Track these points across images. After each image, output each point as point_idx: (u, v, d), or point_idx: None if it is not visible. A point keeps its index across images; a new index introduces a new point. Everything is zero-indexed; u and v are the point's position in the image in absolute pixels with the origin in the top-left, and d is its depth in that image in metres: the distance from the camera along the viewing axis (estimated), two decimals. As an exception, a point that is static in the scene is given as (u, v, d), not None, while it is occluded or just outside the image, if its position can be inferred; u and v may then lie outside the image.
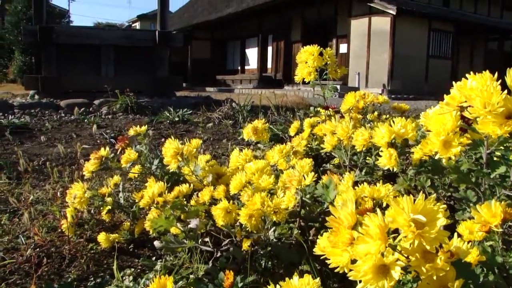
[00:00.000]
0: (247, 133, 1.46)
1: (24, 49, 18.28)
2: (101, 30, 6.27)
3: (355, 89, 13.16)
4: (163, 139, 3.24)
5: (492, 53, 18.64)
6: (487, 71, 0.71)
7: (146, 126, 3.80)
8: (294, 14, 18.33)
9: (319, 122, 1.58)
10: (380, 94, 13.20)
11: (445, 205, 0.56)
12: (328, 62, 1.38)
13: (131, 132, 1.48)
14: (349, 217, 0.58)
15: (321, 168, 1.46)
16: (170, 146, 1.09)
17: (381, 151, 0.87)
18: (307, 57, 1.36)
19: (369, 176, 1.34)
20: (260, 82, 18.88)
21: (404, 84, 13.85)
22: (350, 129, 1.12)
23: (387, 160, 0.86)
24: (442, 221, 0.54)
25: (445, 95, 0.75)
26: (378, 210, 0.56)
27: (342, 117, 1.49)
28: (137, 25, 43.77)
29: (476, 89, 0.66)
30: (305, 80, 1.38)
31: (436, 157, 0.78)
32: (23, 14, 19.40)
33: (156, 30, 6.21)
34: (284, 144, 2.85)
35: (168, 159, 1.10)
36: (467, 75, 0.72)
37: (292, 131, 1.64)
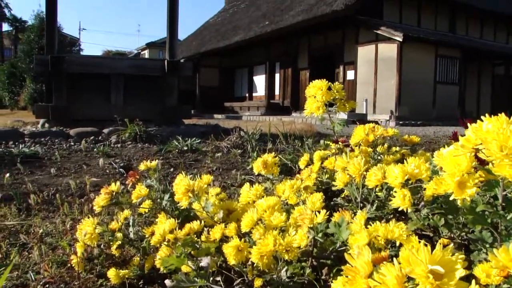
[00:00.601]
0: (257, 166, 1.46)
1: (35, 77, 18.60)
2: (111, 59, 6.36)
3: (363, 115, 13.19)
4: (172, 169, 3.25)
5: (499, 78, 18.68)
6: (503, 114, 0.70)
7: (155, 156, 3.81)
8: (301, 41, 18.54)
9: (329, 155, 1.58)
10: (388, 120, 13.22)
11: (463, 256, 0.55)
12: (336, 97, 1.39)
13: (142, 167, 1.48)
14: (366, 266, 0.57)
15: (332, 202, 1.45)
16: (181, 183, 1.09)
17: (395, 191, 0.87)
18: (315, 92, 1.37)
19: (380, 211, 1.32)
20: (268, 109, 18.98)
21: (411, 110, 13.85)
22: (361, 167, 1.11)
23: (401, 201, 0.85)
24: (460, 272, 0.53)
25: (460, 137, 0.75)
26: (395, 260, 0.55)
27: (352, 150, 1.49)
28: (146, 53, 44.40)
29: (492, 132, 0.66)
30: (314, 115, 1.38)
31: (451, 198, 0.77)
32: (36, 43, 19.80)
33: (165, 59, 6.29)
34: (293, 175, 2.85)
35: (179, 196, 1.09)
36: (482, 117, 0.72)
37: (302, 163, 1.63)
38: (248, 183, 1.38)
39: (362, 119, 13.12)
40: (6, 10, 43.36)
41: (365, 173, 1.10)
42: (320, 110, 1.37)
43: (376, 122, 7.43)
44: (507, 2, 19.37)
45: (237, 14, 24.72)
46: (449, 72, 15.09)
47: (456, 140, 1.26)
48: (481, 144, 0.69)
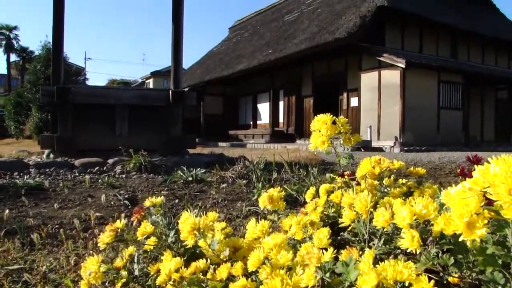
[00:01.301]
0: (263, 201, 1.45)
1: (41, 106, 18.81)
2: (116, 90, 6.42)
3: (368, 142, 13.19)
4: (177, 200, 3.24)
5: (502, 102, 18.78)
6: (510, 156, 0.70)
7: (160, 187, 3.80)
8: (305, 69, 18.70)
9: (335, 189, 1.57)
10: (393, 146, 13.20)
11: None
12: (341, 130, 1.39)
13: (147, 203, 1.48)
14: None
15: (339, 237, 1.43)
16: (187, 222, 1.08)
17: (403, 232, 0.86)
18: (320, 126, 1.37)
19: (388, 246, 1.30)
20: (272, 136, 19.03)
21: (416, 135, 13.85)
22: (368, 203, 1.10)
23: (409, 242, 0.84)
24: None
25: (467, 179, 0.74)
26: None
27: (358, 184, 1.48)
28: (150, 82, 44.85)
29: (499, 175, 0.65)
30: (319, 149, 1.38)
31: (460, 239, 0.76)
32: (42, 73, 20.11)
33: (170, 89, 6.35)
34: (298, 205, 2.83)
35: (185, 234, 1.09)
36: (489, 158, 0.72)
37: (308, 197, 1.62)
38: (253, 219, 1.37)
39: (366, 146, 13.11)
40: (14, 41, 44.20)
41: (371, 209, 1.09)
42: (325, 144, 1.36)
43: (381, 149, 7.51)
44: (507, 28, 19.59)
45: (240, 43, 25.03)
46: (452, 98, 15.15)
47: (463, 175, 1.25)
48: (489, 187, 0.68)
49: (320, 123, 1.36)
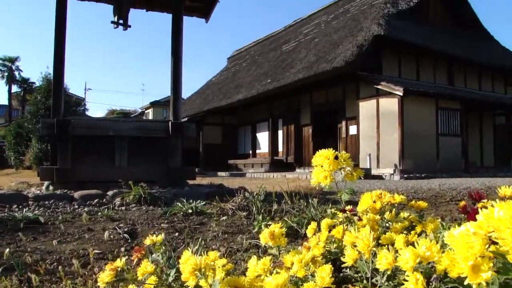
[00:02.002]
0: (264, 238, 1.44)
1: (41, 137, 18.85)
2: (116, 122, 6.44)
3: (367, 170, 13.16)
4: (177, 233, 3.21)
5: (500, 128, 18.90)
6: None
7: (160, 219, 3.77)
8: (303, 98, 18.83)
9: (336, 224, 1.56)
10: (392, 174, 13.19)
11: None
12: (343, 166, 1.39)
13: (147, 241, 1.46)
14: None
15: (341, 274, 1.41)
16: (188, 262, 1.07)
17: (407, 275, 0.84)
18: (322, 161, 1.36)
19: (391, 282, 1.29)
20: (271, 165, 19.01)
21: (415, 163, 13.86)
22: (370, 242, 1.09)
23: (413, 285, 0.83)
24: None
25: (471, 223, 0.73)
26: None
27: (359, 219, 1.47)
28: (150, 112, 45.05)
29: (504, 220, 0.65)
30: (321, 184, 1.38)
31: (466, 283, 0.75)
32: (42, 104, 20.24)
33: (169, 121, 6.37)
34: (299, 238, 2.81)
35: (186, 275, 1.07)
36: (493, 202, 0.71)
37: (309, 232, 1.61)
38: (254, 256, 1.35)
39: (366, 174, 13.06)
40: (16, 73, 44.64)
41: (374, 249, 1.08)
42: (328, 180, 1.36)
43: (381, 177, 7.51)
44: (502, 55, 19.84)
45: (239, 73, 25.27)
46: (450, 124, 15.22)
47: (466, 212, 1.25)
48: (493, 231, 0.67)
49: (322, 158, 1.36)
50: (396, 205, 1.60)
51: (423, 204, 1.61)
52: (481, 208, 0.87)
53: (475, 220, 0.75)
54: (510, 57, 20.28)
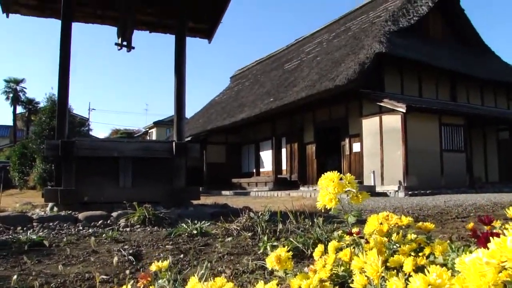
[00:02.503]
0: (271, 262, 1.43)
1: (45, 157, 18.91)
2: (120, 142, 6.46)
3: (371, 187, 13.12)
4: (182, 255, 3.19)
5: (504, 143, 18.90)
6: None
7: (164, 240, 3.75)
8: (306, 116, 18.87)
9: (343, 246, 1.55)
10: (397, 191, 13.13)
11: None
12: (349, 188, 1.38)
13: (153, 267, 1.46)
14: None
15: (349, 298, 1.40)
16: (194, 290, 1.06)
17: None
18: (327, 184, 1.36)
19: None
20: (275, 184, 18.98)
21: (420, 179, 13.81)
22: (379, 268, 1.08)
23: (425, 313, 0.82)
24: None
25: (483, 251, 0.73)
26: None
27: (367, 242, 1.46)
28: (153, 131, 45.19)
29: (516, 250, 0.64)
30: (327, 207, 1.37)
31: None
32: (47, 124, 20.35)
33: (173, 141, 6.39)
34: (305, 259, 2.79)
35: (193, 303, 1.06)
36: (505, 231, 0.71)
37: (316, 254, 1.60)
38: (261, 281, 1.34)
39: (370, 191, 13.02)
40: (21, 94, 44.95)
41: (383, 274, 1.07)
42: (333, 202, 1.36)
43: (385, 194, 7.46)
44: (504, 70, 19.90)
45: (242, 92, 25.40)
46: (454, 140, 15.20)
47: (475, 236, 1.24)
48: (506, 261, 0.67)
49: (328, 181, 1.36)
50: (403, 226, 1.59)
51: (430, 225, 1.60)
52: (491, 233, 0.86)
53: (485, 245, 0.75)
54: (511, 73, 20.34)
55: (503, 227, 1.34)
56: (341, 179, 1.41)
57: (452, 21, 19.82)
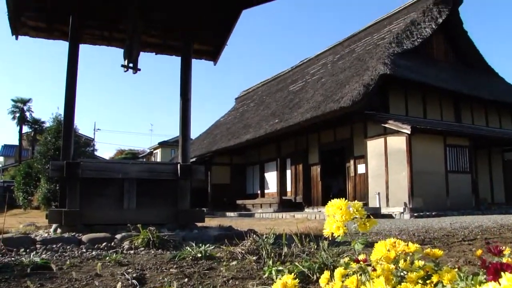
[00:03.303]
0: (277, 290, 1.41)
1: (50, 177, 18.92)
2: (124, 164, 6.45)
3: (377, 209, 13.05)
4: (186, 279, 3.16)
5: (510, 164, 18.90)
6: None
7: (169, 264, 3.72)
8: (311, 137, 18.90)
9: (350, 273, 1.53)
10: (402, 213, 13.03)
11: None
12: (356, 216, 1.37)
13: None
14: None
15: (357, 327, 1.38)
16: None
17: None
18: (335, 211, 1.35)
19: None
20: (280, 205, 18.92)
21: (425, 200, 13.74)
22: (388, 298, 1.07)
23: None
24: None
25: (494, 285, 0.71)
26: None
27: (374, 269, 1.44)
28: (158, 152, 45.28)
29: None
30: (334, 235, 1.36)
31: None
32: (52, 144, 20.44)
33: (178, 163, 6.39)
34: (310, 283, 2.75)
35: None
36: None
37: (322, 282, 1.58)
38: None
39: (376, 213, 12.94)
40: (28, 113, 45.27)
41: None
42: (340, 230, 1.35)
43: (390, 215, 7.43)
44: (507, 91, 19.95)
45: (247, 113, 25.49)
46: (459, 161, 15.15)
47: (485, 267, 1.22)
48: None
49: (335, 208, 1.35)
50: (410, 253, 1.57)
51: (438, 252, 1.58)
52: (500, 264, 0.85)
53: (495, 278, 0.74)
54: (515, 93, 20.40)
55: (512, 255, 1.32)
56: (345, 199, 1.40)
57: (455, 43, 19.95)
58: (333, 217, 1.37)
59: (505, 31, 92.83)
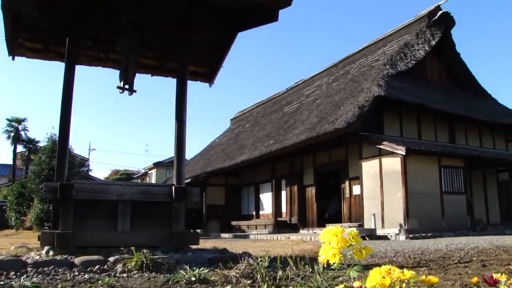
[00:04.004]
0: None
1: (43, 198, 18.76)
2: (119, 186, 6.41)
3: (372, 230, 13.01)
4: (179, 304, 3.12)
5: (504, 184, 18.96)
6: None
7: (162, 287, 3.67)
8: (306, 159, 18.93)
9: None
10: (398, 234, 12.98)
11: None
12: (352, 243, 1.36)
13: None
14: None
15: None
16: None
17: None
18: (330, 238, 1.34)
19: None
20: (275, 226, 18.84)
21: (421, 222, 13.73)
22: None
23: None
24: None
25: None
26: None
27: (370, 297, 1.43)
28: (153, 172, 45.12)
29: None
30: (329, 262, 1.35)
31: None
32: (46, 164, 20.32)
33: (173, 185, 6.36)
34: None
35: None
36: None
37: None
38: None
39: (371, 234, 12.89)
40: (22, 133, 45.10)
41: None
42: (336, 258, 1.33)
43: (386, 237, 7.41)
44: (501, 112, 20.14)
45: (242, 134, 25.53)
46: (454, 182, 15.17)
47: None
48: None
49: (331, 235, 1.34)
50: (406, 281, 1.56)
51: (433, 279, 1.57)
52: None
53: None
54: (508, 114, 20.57)
55: (508, 282, 1.31)
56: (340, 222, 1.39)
57: (449, 64, 20.20)
58: (329, 244, 1.36)
59: (497, 53, 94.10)
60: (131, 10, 6.51)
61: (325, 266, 3.60)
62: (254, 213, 22.66)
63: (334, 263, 1.43)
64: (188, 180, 21.98)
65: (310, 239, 12.72)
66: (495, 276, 1.18)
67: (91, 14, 6.45)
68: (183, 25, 6.78)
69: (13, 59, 7.16)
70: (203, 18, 6.73)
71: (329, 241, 1.35)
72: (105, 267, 4.97)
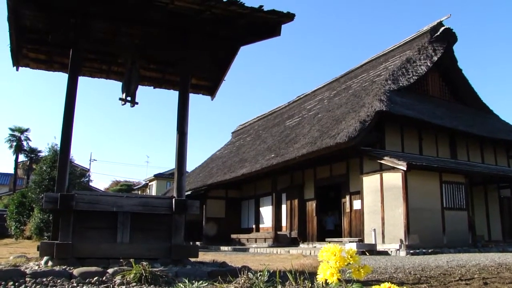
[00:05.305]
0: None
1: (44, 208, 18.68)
2: (119, 197, 6.40)
3: (372, 246, 12.94)
4: (177, 319, 3.10)
5: (506, 200, 18.88)
6: None
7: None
8: (307, 173, 18.91)
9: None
10: (398, 249, 12.91)
11: None
12: (350, 262, 1.36)
13: None
14: None
15: None
16: None
17: None
18: (329, 257, 1.34)
19: None
20: (275, 240, 18.77)
21: (421, 237, 13.65)
22: None
23: None
24: None
25: None
26: None
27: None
28: (153, 184, 45.03)
29: None
30: (327, 281, 1.35)
31: None
32: (47, 174, 20.33)
33: (173, 197, 6.35)
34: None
35: None
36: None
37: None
38: None
39: (371, 250, 12.82)
40: (25, 142, 45.12)
41: None
42: (334, 277, 1.33)
43: (386, 252, 7.37)
44: (502, 128, 20.14)
45: (243, 147, 25.54)
46: (455, 198, 15.10)
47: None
48: None
49: (329, 254, 1.34)
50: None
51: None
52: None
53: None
54: (510, 131, 20.56)
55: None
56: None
57: (450, 80, 20.24)
58: (327, 262, 1.35)
59: (500, 68, 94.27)
60: (133, 25, 6.58)
61: (324, 283, 3.59)
62: (254, 226, 22.58)
63: (332, 286, 1.43)
64: (189, 192, 21.95)
65: (310, 253, 12.65)
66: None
67: (94, 29, 6.51)
68: (185, 40, 6.82)
69: (17, 69, 7.23)
70: (205, 34, 6.77)
71: (328, 260, 1.35)
72: (104, 278, 4.95)
